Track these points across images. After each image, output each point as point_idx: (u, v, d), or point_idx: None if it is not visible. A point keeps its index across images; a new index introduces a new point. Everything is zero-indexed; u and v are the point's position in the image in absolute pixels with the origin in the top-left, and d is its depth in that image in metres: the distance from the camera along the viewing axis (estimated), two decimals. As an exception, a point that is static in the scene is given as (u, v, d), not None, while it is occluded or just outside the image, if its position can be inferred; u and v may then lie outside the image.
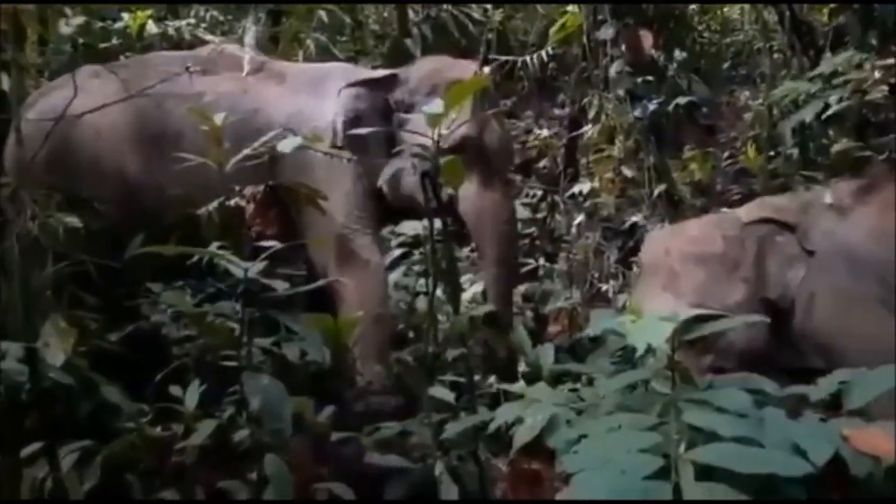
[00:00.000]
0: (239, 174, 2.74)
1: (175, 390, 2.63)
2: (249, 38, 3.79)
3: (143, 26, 4.63)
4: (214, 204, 2.63)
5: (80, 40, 4.40)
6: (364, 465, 2.62)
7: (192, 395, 2.58)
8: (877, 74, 3.58)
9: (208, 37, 4.15)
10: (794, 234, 2.74)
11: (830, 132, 4.48)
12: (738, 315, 2.30)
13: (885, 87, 3.59)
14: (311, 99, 3.50)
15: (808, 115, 3.58)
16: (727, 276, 2.73)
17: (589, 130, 5.00)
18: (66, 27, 4.08)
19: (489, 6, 6.43)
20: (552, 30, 4.94)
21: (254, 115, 3.35)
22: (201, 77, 3.35)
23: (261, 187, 2.61)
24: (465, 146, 3.06)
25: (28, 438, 2.27)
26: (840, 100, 3.49)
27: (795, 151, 4.81)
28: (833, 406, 1.74)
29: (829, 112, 3.52)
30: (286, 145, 2.51)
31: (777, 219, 2.79)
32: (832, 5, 4.96)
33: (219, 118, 2.65)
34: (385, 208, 3.58)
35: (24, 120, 2.55)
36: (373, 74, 3.72)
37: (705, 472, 1.40)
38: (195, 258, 2.46)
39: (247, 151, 2.60)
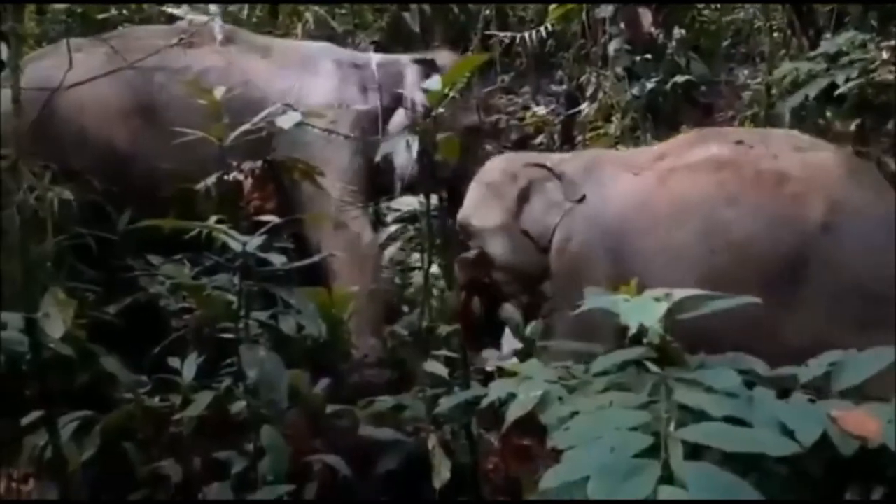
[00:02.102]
0: (235, 148, 2.74)
1: (173, 362, 2.65)
2: (215, 8, 3.76)
3: (140, -3, 4.59)
4: (212, 178, 2.63)
5: (79, 10, 4.36)
6: (358, 438, 2.66)
7: (189, 367, 2.60)
8: (884, 55, 3.57)
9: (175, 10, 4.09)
10: (561, 183, 3.00)
11: (828, 113, 4.49)
12: (495, 235, 3.03)
13: (894, 68, 3.58)
14: (304, 75, 3.53)
15: (812, 91, 3.57)
16: (493, 202, 3.13)
17: (586, 108, 5.00)
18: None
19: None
20: (551, 7, 4.91)
21: (243, 89, 3.33)
22: (186, 50, 3.38)
23: (259, 162, 2.61)
24: None
25: (28, 407, 2.30)
26: (847, 80, 3.48)
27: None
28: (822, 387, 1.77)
29: (838, 92, 3.50)
30: (286, 121, 2.52)
31: (548, 166, 3.08)
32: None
33: (219, 92, 2.64)
34: (379, 184, 3.62)
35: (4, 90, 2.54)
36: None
37: (694, 451, 1.43)
38: (193, 232, 2.47)
39: (246, 126, 2.60)
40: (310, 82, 3.53)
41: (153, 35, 3.55)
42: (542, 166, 3.09)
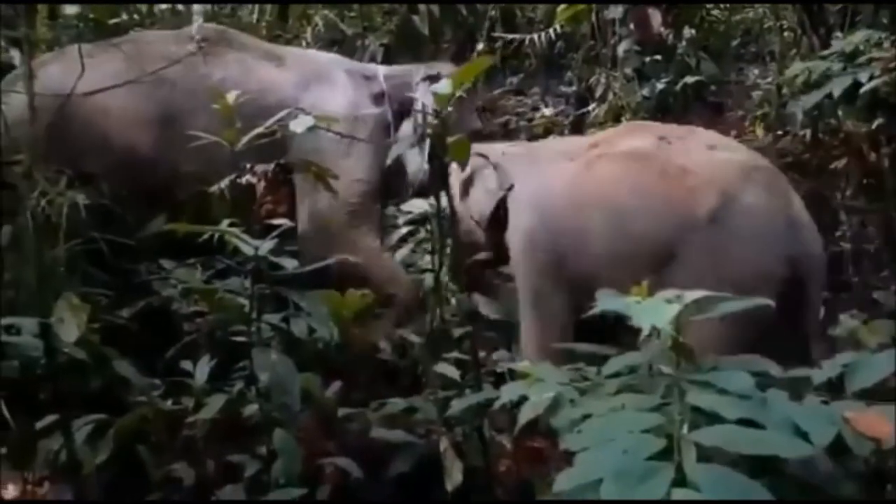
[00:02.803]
0: (250, 153, 2.73)
1: (186, 365, 2.66)
2: (197, 8, 3.81)
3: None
4: (225, 182, 2.65)
5: (90, 15, 4.39)
6: (370, 440, 2.66)
7: (202, 370, 2.62)
8: (902, 53, 3.53)
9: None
10: (496, 172, 3.19)
11: (840, 112, 4.46)
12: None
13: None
14: (320, 86, 3.58)
15: (836, 90, 3.55)
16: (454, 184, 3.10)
17: (595, 109, 4.99)
18: (70, 7, 4.08)
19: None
20: (560, 8, 4.91)
21: (261, 97, 3.34)
22: (202, 56, 3.41)
23: (271, 165, 2.62)
24: None
25: (43, 411, 2.32)
26: (871, 77, 3.45)
27: (805, 131, 4.80)
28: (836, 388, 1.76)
29: (862, 90, 3.48)
30: (298, 125, 2.56)
31: (486, 155, 3.23)
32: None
33: (231, 97, 2.65)
34: (391, 190, 3.66)
35: (13, 95, 2.56)
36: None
37: (708, 454, 1.43)
38: (205, 236, 2.48)
39: (258, 130, 2.61)
40: (325, 92, 3.57)
41: (164, 40, 3.57)
42: (482, 156, 3.23)
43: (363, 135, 3.44)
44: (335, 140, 3.24)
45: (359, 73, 3.75)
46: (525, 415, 1.87)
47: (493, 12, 5.82)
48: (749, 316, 2.12)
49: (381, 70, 3.85)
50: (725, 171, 2.72)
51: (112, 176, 3.30)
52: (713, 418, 1.51)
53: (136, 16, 4.79)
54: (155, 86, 3.35)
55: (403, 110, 3.64)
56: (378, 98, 3.63)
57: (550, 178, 3.06)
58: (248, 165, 2.69)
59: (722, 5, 7.56)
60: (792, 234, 2.63)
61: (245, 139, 2.60)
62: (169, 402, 2.59)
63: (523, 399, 1.91)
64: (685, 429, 1.48)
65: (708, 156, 2.78)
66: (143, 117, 3.39)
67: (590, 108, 5.17)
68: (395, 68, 3.94)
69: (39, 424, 2.30)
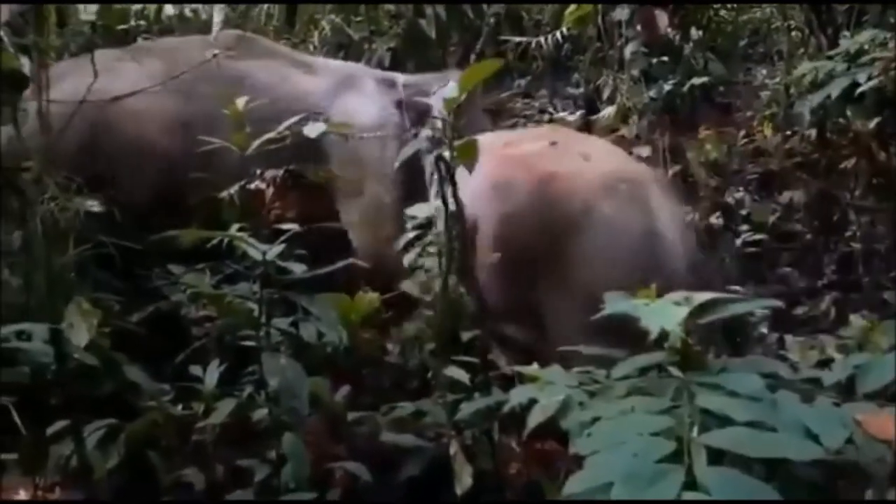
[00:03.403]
0: (288, 156, 2.82)
1: (195, 370, 2.67)
2: (217, 16, 3.87)
3: (160, 8, 4.65)
4: (235, 188, 2.66)
5: (99, 22, 4.42)
6: (379, 444, 2.66)
7: (211, 375, 2.62)
8: (906, 53, 3.53)
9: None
10: None
11: (848, 112, 4.45)
12: None
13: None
14: (350, 93, 3.65)
15: (834, 91, 3.54)
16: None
17: (604, 111, 4.99)
18: (85, 14, 4.12)
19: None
20: (567, 10, 4.92)
21: (296, 102, 3.40)
22: (233, 62, 3.46)
23: (281, 171, 2.65)
24: None
25: (53, 417, 2.33)
26: (869, 78, 3.45)
27: (813, 131, 4.79)
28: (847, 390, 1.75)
29: (860, 90, 3.47)
30: (312, 130, 2.67)
31: None
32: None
33: (241, 102, 2.69)
34: (413, 193, 3.72)
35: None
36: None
37: (718, 456, 1.42)
38: (215, 241, 2.50)
39: (270, 135, 2.65)
40: (355, 99, 3.64)
41: (192, 45, 3.62)
42: None
43: (391, 139, 3.48)
44: (370, 144, 3.35)
45: (383, 80, 3.83)
46: (535, 418, 1.86)
47: (495, 14, 5.82)
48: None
49: (401, 78, 3.91)
50: (589, 181, 2.75)
51: (144, 180, 3.34)
52: (723, 421, 1.50)
53: (143, 22, 4.81)
54: (188, 90, 3.38)
55: (421, 118, 3.69)
56: (399, 105, 3.67)
57: (480, 170, 3.07)
58: (258, 171, 2.71)
59: (729, 6, 7.55)
60: (649, 247, 2.66)
61: (254, 145, 2.63)
62: (179, 407, 2.60)
63: (533, 402, 1.90)
64: (695, 431, 1.48)
65: (578, 165, 2.82)
66: (179, 121, 3.41)
67: (602, 113, 5.16)
68: (414, 77, 4.00)
69: (50, 430, 2.31)
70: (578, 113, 5.40)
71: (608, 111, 4.95)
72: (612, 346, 2.27)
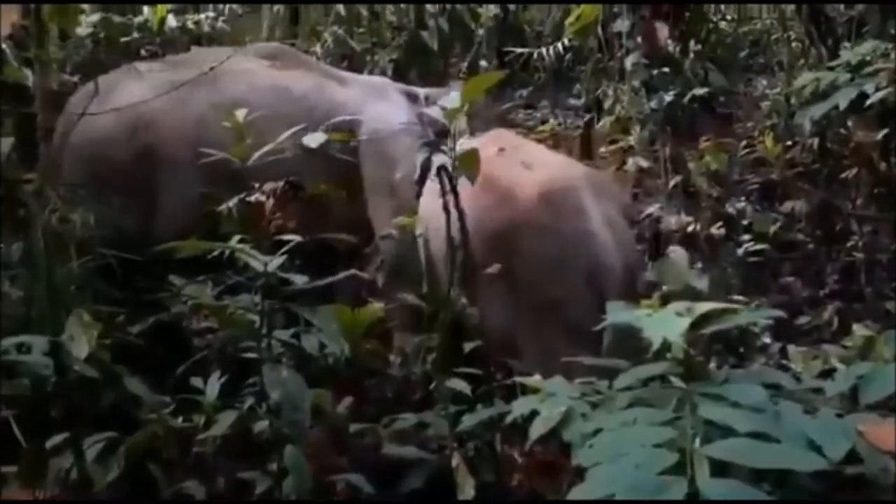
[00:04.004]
0: (325, 162, 3.10)
1: (196, 382, 2.66)
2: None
3: (163, 20, 4.67)
4: (235, 200, 2.67)
5: (102, 34, 4.44)
6: (381, 456, 2.65)
7: (212, 387, 2.61)
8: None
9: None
10: None
11: (849, 122, 4.45)
12: None
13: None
14: (382, 104, 3.80)
15: (842, 101, 3.54)
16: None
17: (603, 121, 5.00)
18: (87, 27, 4.15)
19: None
20: (568, 21, 4.93)
21: (335, 111, 3.57)
22: (276, 72, 3.66)
23: (281, 182, 2.66)
24: None
25: (53, 429, 2.32)
26: (877, 89, 3.45)
27: (814, 141, 4.79)
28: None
29: (869, 101, 3.47)
30: (313, 140, 2.80)
31: None
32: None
33: (241, 114, 2.78)
34: None
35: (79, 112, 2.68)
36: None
37: (721, 468, 1.42)
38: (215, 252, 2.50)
39: (271, 146, 2.73)
40: (385, 109, 3.76)
41: (234, 58, 3.72)
42: None
43: (415, 148, 3.57)
44: (399, 149, 3.48)
45: (407, 93, 3.99)
46: (537, 429, 1.86)
47: (497, 26, 5.85)
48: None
49: (422, 91, 4.05)
50: (523, 190, 2.85)
51: (187, 186, 3.39)
52: (726, 432, 1.50)
53: (147, 34, 4.82)
54: (241, 100, 3.40)
55: (437, 128, 3.75)
56: (420, 116, 3.74)
57: (472, 184, 3.15)
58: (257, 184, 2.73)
59: (729, 17, 7.58)
60: (584, 251, 2.79)
61: (256, 155, 2.72)
62: (180, 420, 2.59)
63: (535, 413, 1.90)
64: (698, 443, 1.47)
65: (518, 173, 2.92)
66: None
67: (598, 123, 5.17)
68: (434, 90, 4.09)
69: (50, 443, 2.30)
70: (582, 121, 5.40)
71: (605, 121, 4.96)
72: (550, 341, 2.62)
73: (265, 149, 2.76)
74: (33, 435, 2.28)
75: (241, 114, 2.73)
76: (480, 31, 6.64)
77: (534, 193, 2.85)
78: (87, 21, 4.33)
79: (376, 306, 3.24)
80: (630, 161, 4.98)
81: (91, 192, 3.27)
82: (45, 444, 2.30)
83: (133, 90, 3.38)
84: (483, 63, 6.95)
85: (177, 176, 3.44)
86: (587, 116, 6.16)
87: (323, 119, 3.28)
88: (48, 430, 2.32)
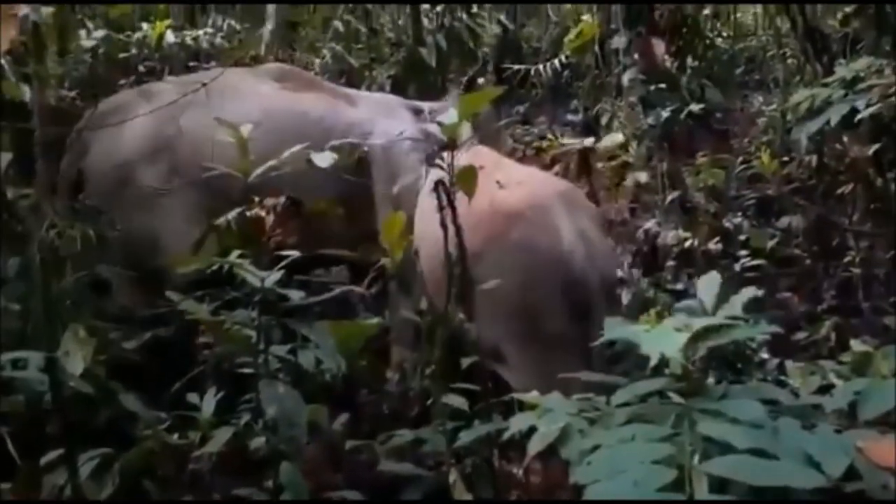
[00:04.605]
0: (341, 181, 3.22)
1: (192, 397, 2.65)
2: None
3: (161, 36, 4.69)
4: (233, 213, 2.67)
5: (101, 50, 4.46)
6: (378, 473, 2.64)
7: (208, 403, 2.60)
8: (903, 79, 3.55)
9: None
10: None
11: (845, 138, 4.47)
12: None
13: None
14: (392, 122, 3.87)
15: (834, 117, 3.56)
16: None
17: (606, 139, 5.02)
18: (87, 40, 4.17)
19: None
20: (567, 38, 4.97)
21: (350, 131, 3.70)
22: (290, 94, 3.77)
23: (281, 198, 2.68)
24: None
25: (48, 446, 2.31)
26: (868, 104, 3.47)
27: (811, 157, 4.81)
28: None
29: (859, 117, 3.49)
30: (322, 160, 2.90)
31: None
32: (846, 9, 4.96)
33: (246, 129, 2.86)
34: None
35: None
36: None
37: (720, 484, 1.41)
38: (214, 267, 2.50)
39: (272, 162, 2.78)
40: (394, 125, 3.82)
41: (244, 76, 3.87)
42: None
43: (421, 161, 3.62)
44: (407, 163, 3.58)
45: (412, 108, 4.06)
46: (534, 446, 1.85)
47: (496, 44, 5.88)
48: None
49: (426, 106, 4.09)
50: (496, 210, 2.97)
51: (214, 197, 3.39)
52: (725, 448, 1.49)
53: (145, 50, 4.84)
54: (256, 118, 3.45)
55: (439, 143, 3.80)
56: (424, 131, 3.78)
57: (469, 200, 3.25)
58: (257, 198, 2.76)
59: (725, 34, 7.63)
60: (559, 267, 2.88)
61: (257, 172, 2.80)
62: (175, 436, 2.57)
63: (532, 430, 1.89)
64: (696, 459, 1.46)
65: (490, 194, 2.98)
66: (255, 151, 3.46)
67: (604, 140, 5.18)
68: (437, 104, 4.13)
69: (44, 459, 2.29)
70: (586, 140, 5.40)
71: (614, 138, 4.96)
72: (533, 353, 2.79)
73: (284, 167, 2.86)
74: (28, 451, 2.27)
75: (245, 129, 2.77)
76: (485, 50, 6.69)
77: (506, 212, 2.97)
78: (88, 37, 4.35)
79: (373, 321, 3.23)
80: (628, 176, 5.00)
81: (115, 208, 3.35)
82: (39, 460, 2.28)
83: (152, 109, 3.42)
84: (480, 80, 6.97)
85: (198, 196, 3.45)
86: (585, 132, 6.18)
87: (339, 137, 3.40)
88: (43, 447, 2.31)
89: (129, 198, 3.45)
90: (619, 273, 3.78)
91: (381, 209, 3.65)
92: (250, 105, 3.59)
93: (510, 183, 3.12)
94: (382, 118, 3.90)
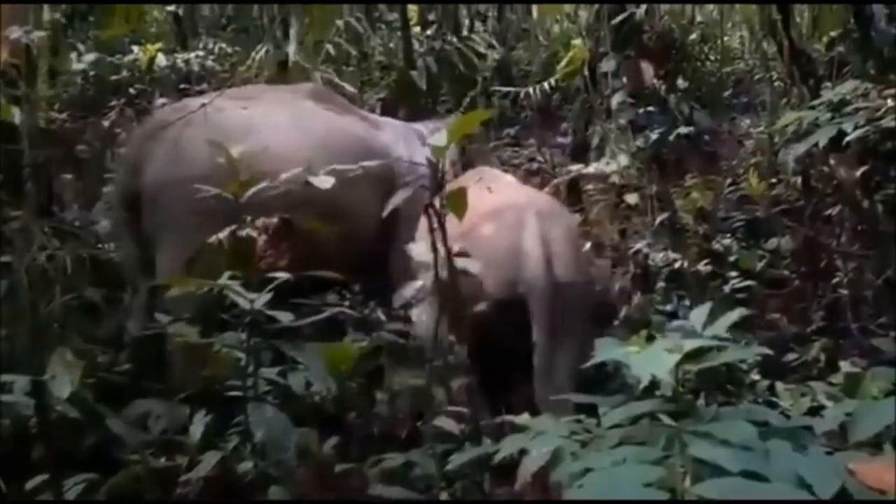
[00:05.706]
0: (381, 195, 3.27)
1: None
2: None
3: (152, 59, 4.70)
4: (225, 232, 2.66)
5: (91, 73, 4.47)
6: (368, 497, 2.61)
7: (197, 427, 2.58)
8: (890, 102, 3.59)
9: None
10: None
11: (832, 160, 4.51)
12: None
13: (901, 115, 3.59)
14: (409, 143, 4.10)
15: (822, 139, 3.61)
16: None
17: (599, 163, 5.04)
18: (78, 63, 4.18)
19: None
20: (560, 65, 5.01)
21: (385, 153, 3.87)
22: (328, 113, 3.89)
23: (274, 219, 2.68)
24: None
25: (34, 471, 2.28)
26: (855, 127, 3.52)
27: (798, 179, 4.85)
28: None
29: (846, 140, 3.54)
30: (323, 182, 2.96)
31: None
32: (832, 34, 5.03)
33: (236, 150, 2.86)
34: None
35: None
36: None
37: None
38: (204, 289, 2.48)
39: (264, 185, 2.82)
40: (414, 149, 4.02)
41: (284, 93, 3.99)
42: None
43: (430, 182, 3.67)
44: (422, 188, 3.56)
45: (418, 132, 4.21)
46: (526, 469, 1.83)
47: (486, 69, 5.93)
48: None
49: (425, 129, 4.20)
50: (482, 208, 3.15)
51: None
52: (716, 470, 1.48)
53: (136, 73, 4.85)
54: (304, 134, 3.67)
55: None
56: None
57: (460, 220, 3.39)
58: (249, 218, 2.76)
59: (713, 57, 7.71)
60: (514, 262, 3.13)
61: (250, 191, 2.79)
62: (162, 460, 2.54)
63: (524, 452, 1.87)
64: (688, 482, 1.45)
65: (482, 197, 3.26)
66: (298, 161, 3.44)
67: (598, 163, 5.21)
68: (438, 123, 4.19)
69: (30, 484, 2.26)
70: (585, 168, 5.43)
71: (617, 164, 4.97)
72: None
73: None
74: (13, 477, 2.24)
75: (237, 150, 2.80)
76: (486, 74, 6.76)
77: (487, 210, 3.23)
78: (79, 59, 4.36)
79: (363, 343, 3.22)
80: (618, 198, 5.02)
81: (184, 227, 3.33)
82: (24, 486, 2.25)
83: (231, 116, 3.54)
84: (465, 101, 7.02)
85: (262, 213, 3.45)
86: (574, 154, 6.21)
87: (373, 158, 3.50)
88: (28, 472, 2.28)
89: (204, 215, 3.26)
90: (605, 288, 3.97)
91: (403, 230, 3.70)
92: (311, 124, 3.75)
93: (496, 189, 3.40)
94: (402, 142, 4.10)
